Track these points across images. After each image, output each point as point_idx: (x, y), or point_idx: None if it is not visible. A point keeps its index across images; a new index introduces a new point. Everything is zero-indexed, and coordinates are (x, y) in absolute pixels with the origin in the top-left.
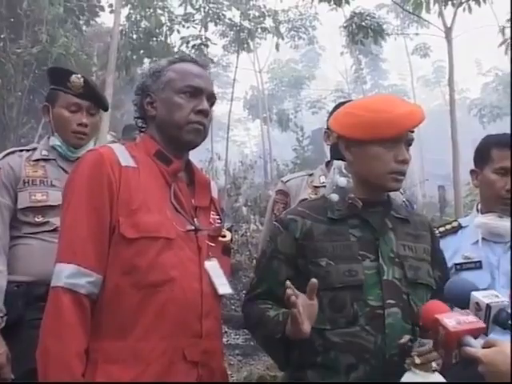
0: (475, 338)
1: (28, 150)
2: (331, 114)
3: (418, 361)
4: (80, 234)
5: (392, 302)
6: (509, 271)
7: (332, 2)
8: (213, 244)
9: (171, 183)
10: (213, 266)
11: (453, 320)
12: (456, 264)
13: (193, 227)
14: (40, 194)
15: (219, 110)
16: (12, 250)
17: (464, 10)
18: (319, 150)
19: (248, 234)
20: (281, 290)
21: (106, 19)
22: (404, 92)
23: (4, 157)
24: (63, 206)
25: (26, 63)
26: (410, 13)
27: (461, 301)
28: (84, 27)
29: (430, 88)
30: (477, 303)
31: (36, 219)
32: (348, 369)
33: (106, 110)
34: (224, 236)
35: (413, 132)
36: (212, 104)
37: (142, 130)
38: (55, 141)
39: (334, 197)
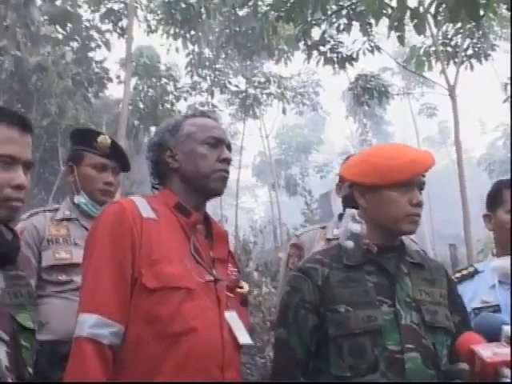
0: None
1: (51, 211)
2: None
3: None
4: (103, 284)
5: (411, 346)
6: None
7: (336, 66)
8: (231, 295)
9: (190, 235)
10: (232, 317)
11: (488, 351)
12: (474, 309)
13: (212, 278)
14: (64, 252)
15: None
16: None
17: (466, 68)
18: (328, 213)
19: (260, 297)
20: (311, 340)
21: (113, 91)
22: None
23: (29, 217)
24: (85, 256)
25: (37, 136)
26: (412, 72)
27: (491, 335)
28: (93, 99)
29: (436, 148)
30: (508, 336)
31: (60, 277)
32: None
33: (127, 170)
34: (241, 287)
35: (424, 176)
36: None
37: (155, 187)
38: (81, 199)
39: (349, 244)
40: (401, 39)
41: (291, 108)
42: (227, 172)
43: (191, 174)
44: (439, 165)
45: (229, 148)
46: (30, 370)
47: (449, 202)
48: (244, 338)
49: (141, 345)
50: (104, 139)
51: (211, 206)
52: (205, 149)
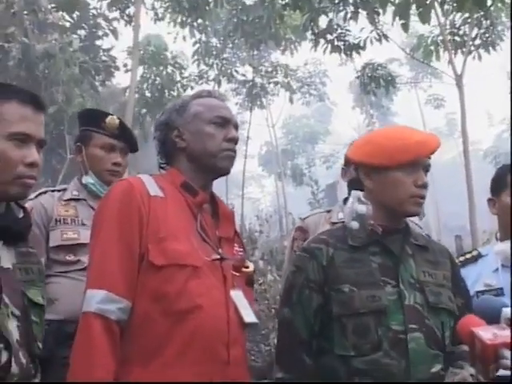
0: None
1: (59, 191)
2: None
3: None
4: (110, 261)
5: (414, 326)
6: None
7: (343, 54)
8: (237, 274)
9: (197, 214)
10: (238, 295)
11: (489, 333)
12: (478, 292)
13: (218, 256)
14: (71, 232)
15: (234, 167)
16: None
17: (474, 57)
18: (334, 203)
19: (265, 285)
20: (315, 320)
21: (120, 79)
22: None
23: (37, 196)
24: (93, 233)
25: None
26: (419, 61)
27: (491, 317)
28: (100, 88)
29: (443, 140)
30: (509, 319)
31: (67, 257)
32: None
33: (136, 151)
34: (247, 267)
35: (430, 158)
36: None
37: (162, 166)
38: (88, 179)
39: (354, 224)
40: (405, 26)
41: (298, 98)
42: (234, 151)
43: (198, 153)
44: (446, 157)
45: (236, 127)
46: (40, 344)
47: (455, 194)
48: (249, 316)
49: (148, 321)
50: (112, 120)
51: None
52: (212, 128)
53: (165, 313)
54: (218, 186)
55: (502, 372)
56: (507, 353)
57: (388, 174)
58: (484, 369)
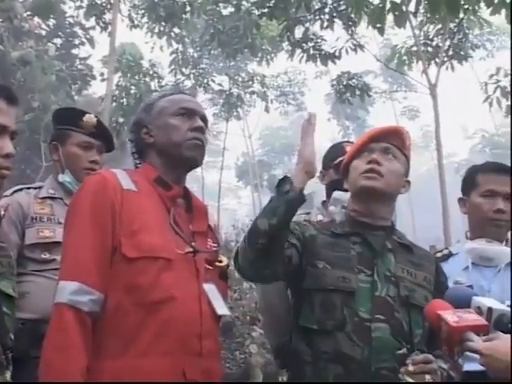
0: (478, 335)
1: (35, 188)
2: (325, 156)
3: (411, 368)
4: (83, 252)
5: (381, 317)
6: (499, 295)
7: (318, 64)
8: (210, 267)
9: (170, 207)
10: (211, 289)
11: (455, 316)
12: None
13: (191, 249)
14: (48, 230)
15: (210, 178)
16: (17, 287)
17: (447, 68)
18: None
19: (241, 293)
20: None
21: (96, 89)
22: None
23: (12, 194)
24: (66, 225)
25: (19, 131)
26: (395, 71)
27: (462, 306)
28: (76, 97)
29: (418, 152)
30: (478, 307)
31: (43, 255)
32: (336, 379)
33: (112, 150)
34: (221, 261)
35: (395, 145)
36: (204, 124)
37: (137, 166)
38: (65, 177)
39: (333, 209)
40: (381, 30)
41: (275, 108)
42: (200, 140)
43: (164, 145)
44: (421, 169)
45: (203, 119)
46: (12, 336)
47: (430, 205)
48: (222, 309)
49: (120, 313)
50: (90, 118)
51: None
52: (176, 120)
53: (138, 304)
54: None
55: (471, 367)
56: (472, 336)
57: (351, 166)
58: (449, 351)
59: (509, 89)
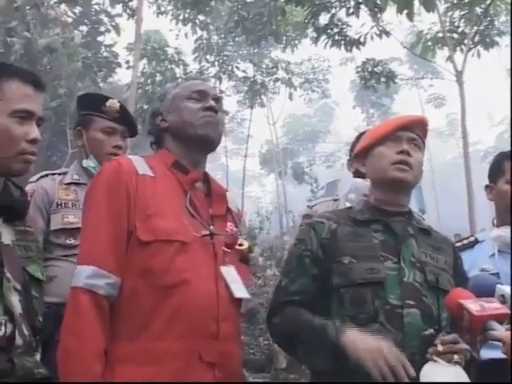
0: (500, 324)
1: (60, 174)
2: (353, 144)
3: (440, 348)
4: (100, 238)
5: (411, 302)
6: None
7: (343, 50)
8: (229, 250)
9: (187, 191)
10: (229, 271)
11: (477, 305)
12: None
13: (208, 232)
14: (72, 216)
15: (234, 166)
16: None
17: (473, 55)
18: None
19: (265, 279)
20: (312, 287)
21: (122, 76)
22: None
23: (38, 179)
24: (83, 212)
25: (45, 117)
26: (420, 57)
27: (486, 294)
28: (101, 84)
29: (444, 140)
30: (502, 295)
31: (67, 241)
32: None
33: (135, 135)
34: (241, 245)
35: (419, 136)
36: (218, 106)
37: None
38: (89, 163)
39: (351, 196)
40: (409, 16)
41: (299, 95)
42: (213, 117)
43: (179, 127)
44: (447, 157)
45: (216, 100)
46: (40, 318)
47: (456, 193)
48: (240, 292)
49: (135, 296)
50: (113, 103)
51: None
52: (189, 102)
53: (152, 287)
54: None
55: (493, 355)
56: (494, 324)
57: (373, 152)
58: (472, 340)
59: None
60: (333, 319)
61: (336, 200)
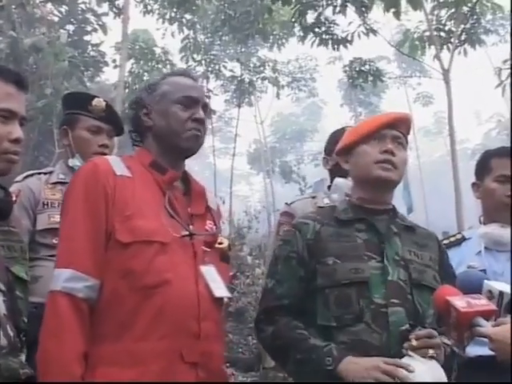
0: (487, 320)
1: (45, 173)
2: (328, 142)
3: (414, 343)
4: (77, 240)
5: (396, 301)
6: None
7: (330, 48)
8: (208, 249)
9: (166, 191)
10: (208, 271)
11: (464, 302)
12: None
13: (187, 232)
14: (58, 216)
15: (222, 165)
16: (29, 272)
17: (459, 53)
18: None
19: (253, 278)
20: (299, 289)
21: (109, 75)
22: None
23: (24, 179)
24: (61, 214)
25: (32, 118)
26: (408, 56)
27: (473, 290)
28: (88, 83)
29: (431, 139)
30: (489, 291)
31: (54, 241)
32: None
33: (121, 134)
34: (221, 243)
35: (403, 134)
36: (205, 113)
37: (136, 143)
38: (75, 162)
39: (334, 196)
40: (397, 14)
41: (287, 94)
42: (199, 131)
43: (163, 132)
44: (435, 155)
45: (205, 108)
46: (25, 319)
47: (443, 192)
48: (220, 291)
49: (116, 298)
50: (99, 102)
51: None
52: (178, 108)
53: (132, 289)
54: (207, 183)
55: (480, 352)
56: (481, 321)
57: (357, 150)
58: (459, 337)
59: None
60: (329, 344)
61: (314, 197)
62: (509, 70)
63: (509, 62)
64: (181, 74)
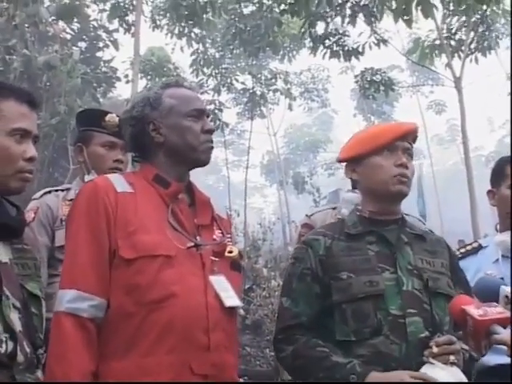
0: (504, 328)
1: (63, 190)
2: None
3: (435, 350)
4: (80, 260)
5: (413, 311)
6: None
7: (342, 59)
8: (217, 259)
9: (169, 204)
10: (218, 280)
11: (480, 310)
12: None
13: (193, 244)
14: None
15: (236, 177)
16: (48, 288)
17: (471, 61)
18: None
19: (270, 290)
20: (316, 305)
21: (122, 91)
22: (419, 151)
23: (41, 196)
24: (65, 235)
25: (46, 135)
26: (419, 65)
27: (490, 296)
28: (101, 99)
29: (445, 146)
30: (506, 296)
31: None
32: None
33: None
34: (231, 252)
35: (411, 144)
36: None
37: (136, 159)
38: (91, 178)
39: (344, 211)
40: (408, 22)
41: (299, 105)
42: (212, 142)
43: (178, 147)
44: (448, 163)
45: (208, 117)
46: (41, 335)
47: (458, 199)
48: (231, 300)
49: (122, 315)
50: (112, 118)
51: (220, 206)
52: (189, 122)
53: (138, 304)
54: (221, 196)
55: (502, 360)
56: (498, 328)
57: (369, 162)
58: (476, 345)
59: None
60: (352, 360)
61: (334, 208)
62: None
63: None
64: (177, 86)
